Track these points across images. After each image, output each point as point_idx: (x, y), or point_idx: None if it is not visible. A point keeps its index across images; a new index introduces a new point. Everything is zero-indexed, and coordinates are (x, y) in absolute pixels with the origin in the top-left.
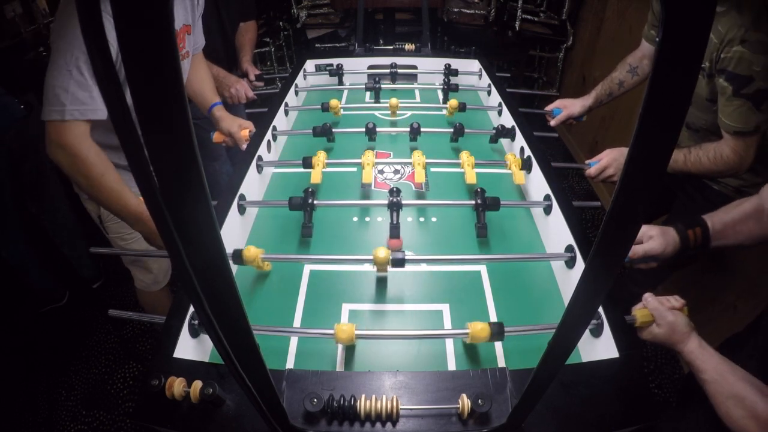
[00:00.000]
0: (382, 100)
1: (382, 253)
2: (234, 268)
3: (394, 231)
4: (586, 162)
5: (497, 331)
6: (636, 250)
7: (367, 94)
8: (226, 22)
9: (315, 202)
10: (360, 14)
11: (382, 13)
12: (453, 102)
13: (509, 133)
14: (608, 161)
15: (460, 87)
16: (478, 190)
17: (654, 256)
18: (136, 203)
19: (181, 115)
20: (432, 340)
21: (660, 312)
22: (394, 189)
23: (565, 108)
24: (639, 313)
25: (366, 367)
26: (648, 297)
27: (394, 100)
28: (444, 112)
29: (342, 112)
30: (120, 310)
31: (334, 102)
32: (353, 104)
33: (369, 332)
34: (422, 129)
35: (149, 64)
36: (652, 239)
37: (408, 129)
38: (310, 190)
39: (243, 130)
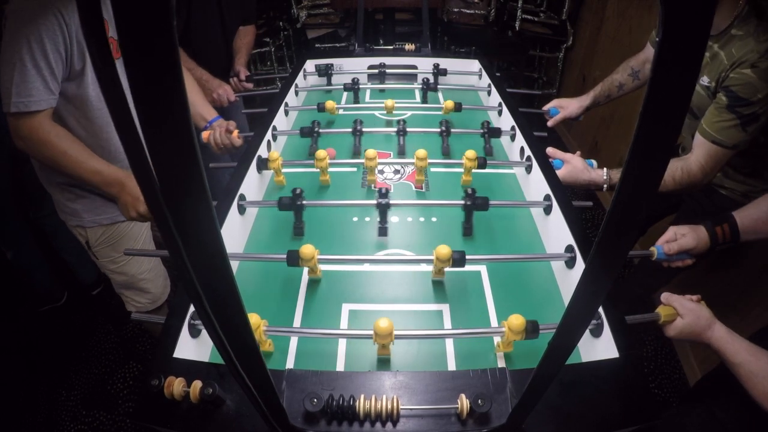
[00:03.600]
0: (382, 101)
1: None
2: (236, 266)
3: (382, 231)
4: (550, 158)
5: (532, 329)
6: (672, 246)
7: (368, 93)
8: (228, 24)
9: (304, 202)
10: (360, 14)
11: (382, 13)
12: (449, 103)
13: (496, 133)
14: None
15: (447, 87)
16: (469, 191)
17: (688, 251)
18: (107, 165)
19: (181, 115)
20: (432, 340)
21: (681, 302)
22: (383, 190)
23: (562, 108)
24: (663, 310)
25: (366, 367)
26: (665, 294)
27: (390, 102)
28: (442, 111)
29: (341, 111)
30: (120, 311)
31: (329, 103)
32: (353, 104)
33: (407, 332)
34: (417, 129)
35: (149, 63)
36: (685, 236)
37: (395, 129)
38: (298, 191)
39: (235, 130)
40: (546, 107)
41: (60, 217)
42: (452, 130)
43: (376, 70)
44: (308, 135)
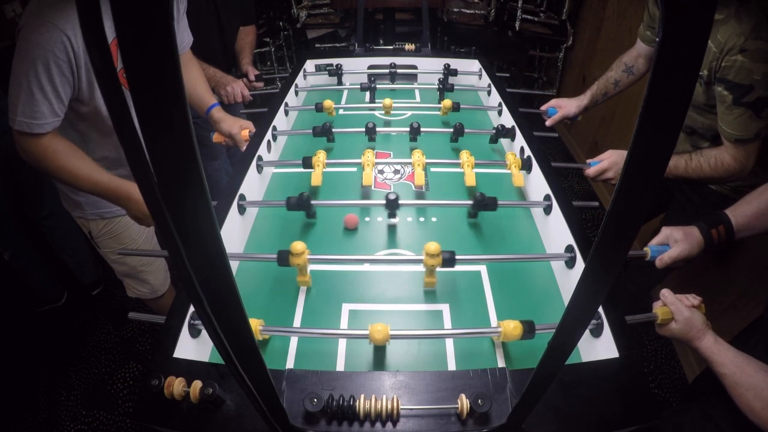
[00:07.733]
0: (377, 100)
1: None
2: (235, 266)
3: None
4: (587, 161)
5: (528, 329)
6: (663, 260)
7: (367, 94)
8: (226, 26)
9: (313, 202)
10: (360, 14)
11: (382, 13)
12: (447, 102)
13: (509, 133)
14: (609, 164)
15: (456, 87)
16: (477, 195)
17: (682, 260)
18: (109, 179)
19: (181, 115)
20: (432, 340)
21: (678, 308)
22: (391, 194)
23: (560, 108)
24: (660, 310)
25: (366, 367)
26: (665, 293)
27: (388, 101)
28: (439, 112)
29: (342, 111)
30: (120, 311)
31: (327, 102)
32: (353, 104)
33: (403, 332)
34: (422, 129)
35: (149, 63)
36: (678, 244)
37: (408, 129)
38: (305, 194)
39: (243, 130)
40: (544, 107)
41: (64, 206)
42: (465, 130)
43: (383, 71)
44: (321, 135)
